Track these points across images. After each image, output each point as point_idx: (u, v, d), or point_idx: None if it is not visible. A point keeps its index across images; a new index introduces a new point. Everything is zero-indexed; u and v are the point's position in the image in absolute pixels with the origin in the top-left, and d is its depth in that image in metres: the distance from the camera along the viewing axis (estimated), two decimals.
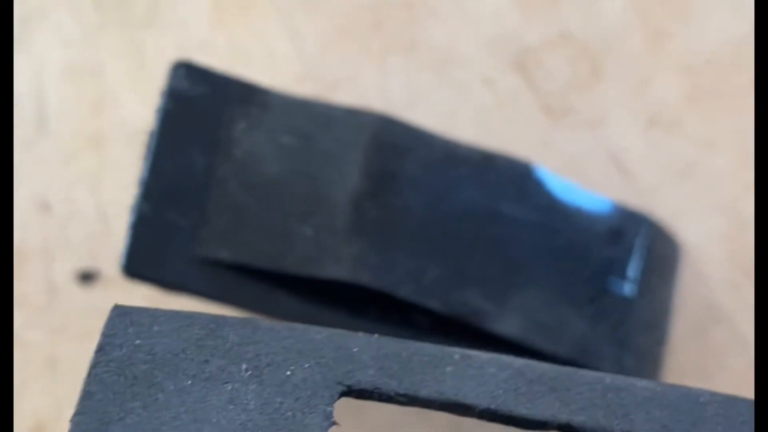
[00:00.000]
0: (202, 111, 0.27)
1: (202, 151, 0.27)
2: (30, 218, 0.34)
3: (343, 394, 0.19)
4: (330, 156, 0.28)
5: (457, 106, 0.35)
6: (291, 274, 0.26)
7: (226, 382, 0.19)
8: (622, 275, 0.30)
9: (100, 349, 0.20)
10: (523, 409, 0.19)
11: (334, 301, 0.28)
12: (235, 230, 0.27)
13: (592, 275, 0.29)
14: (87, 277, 0.34)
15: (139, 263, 0.26)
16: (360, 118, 0.28)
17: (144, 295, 0.33)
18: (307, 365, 0.19)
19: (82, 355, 0.33)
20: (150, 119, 0.28)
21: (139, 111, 0.35)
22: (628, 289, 0.30)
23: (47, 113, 0.36)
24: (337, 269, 0.26)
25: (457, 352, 0.20)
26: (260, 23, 0.36)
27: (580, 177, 0.33)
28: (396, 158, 0.28)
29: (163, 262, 0.26)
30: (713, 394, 0.20)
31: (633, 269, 0.30)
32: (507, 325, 0.28)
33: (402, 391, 0.19)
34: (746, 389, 0.30)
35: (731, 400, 0.19)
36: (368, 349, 0.19)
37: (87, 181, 0.35)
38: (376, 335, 0.20)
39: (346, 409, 0.20)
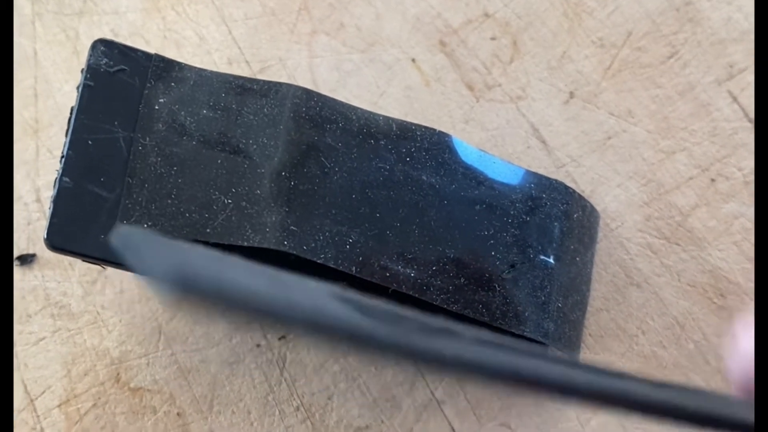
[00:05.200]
0: (121, 87, 0.28)
1: (123, 125, 0.28)
2: None
3: None
4: (250, 128, 0.28)
5: (384, 86, 0.35)
6: (213, 243, 0.27)
7: None
8: (541, 242, 0.30)
9: None
10: None
11: None
12: (157, 201, 0.27)
13: (512, 242, 0.30)
14: (24, 260, 0.34)
15: (62, 237, 0.26)
16: (279, 92, 0.29)
17: (80, 276, 0.34)
18: None
19: (20, 333, 0.33)
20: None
21: (73, 97, 0.36)
22: (547, 255, 0.30)
23: None
24: (258, 237, 0.27)
25: None
26: (192, 9, 0.37)
27: (503, 149, 0.34)
28: (315, 129, 0.29)
29: (86, 234, 0.27)
30: None
31: (552, 236, 0.31)
32: (427, 291, 0.28)
33: None
34: (665, 350, 0.31)
35: None
36: None
37: (24, 168, 0.35)
38: None
39: None
